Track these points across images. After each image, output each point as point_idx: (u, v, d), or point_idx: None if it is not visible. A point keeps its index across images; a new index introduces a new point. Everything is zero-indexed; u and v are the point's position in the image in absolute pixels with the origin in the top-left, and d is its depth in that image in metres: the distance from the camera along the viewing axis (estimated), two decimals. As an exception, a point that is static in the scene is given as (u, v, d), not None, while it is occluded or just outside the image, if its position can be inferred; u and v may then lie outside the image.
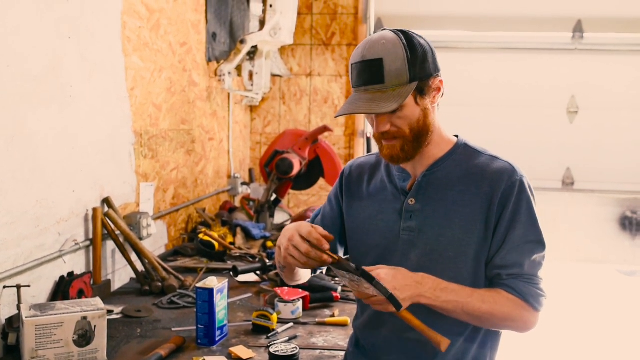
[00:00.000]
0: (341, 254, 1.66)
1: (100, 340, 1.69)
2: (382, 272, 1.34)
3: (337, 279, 2.50)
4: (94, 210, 2.24)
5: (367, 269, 1.34)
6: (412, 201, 1.47)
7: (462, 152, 1.49)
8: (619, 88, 4.18)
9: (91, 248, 2.26)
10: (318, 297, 2.24)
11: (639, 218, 4.22)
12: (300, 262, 1.38)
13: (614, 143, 4.24)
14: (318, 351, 1.81)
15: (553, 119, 4.26)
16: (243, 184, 4.02)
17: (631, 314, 5.60)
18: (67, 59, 2.07)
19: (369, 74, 1.36)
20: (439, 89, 1.42)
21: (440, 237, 1.43)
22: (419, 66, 1.37)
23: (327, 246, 1.37)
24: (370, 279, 1.29)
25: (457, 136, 1.54)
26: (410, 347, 1.48)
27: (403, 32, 1.39)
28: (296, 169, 3.24)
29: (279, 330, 1.96)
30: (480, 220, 1.41)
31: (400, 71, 1.35)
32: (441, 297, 1.36)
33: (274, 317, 1.96)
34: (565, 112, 4.25)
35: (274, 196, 3.41)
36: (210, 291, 1.82)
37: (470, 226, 1.41)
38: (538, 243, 1.43)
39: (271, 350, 1.70)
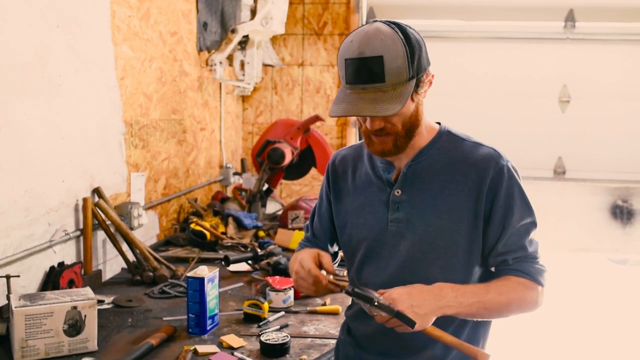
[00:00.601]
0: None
1: (91, 329, 1.69)
2: (395, 293, 1.30)
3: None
4: (84, 200, 2.24)
5: (381, 292, 1.32)
6: (398, 192, 1.47)
7: (446, 140, 1.48)
8: (611, 77, 4.19)
9: (82, 238, 2.25)
10: (309, 286, 2.24)
11: (630, 207, 4.25)
12: (310, 292, 1.49)
13: (605, 132, 4.25)
14: (309, 339, 1.82)
15: (545, 108, 4.27)
16: (235, 174, 4.02)
17: (622, 302, 5.64)
18: (55, 48, 2.05)
19: (368, 72, 1.30)
20: (430, 83, 1.41)
21: (429, 227, 1.43)
22: (417, 62, 1.33)
23: (330, 277, 1.43)
24: (370, 302, 1.27)
25: (439, 123, 1.53)
26: (401, 336, 1.48)
27: (398, 25, 1.34)
28: (288, 158, 3.24)
29: (270, 319, 1.96)
30: (469, 208, 1.41)
31: (401, 69, 1.30)
32: (464, 302, 1.34)
33: (265, 306, 1.96)
34: (557, 101, 4.26)
35: (265, 186, 3.41)
36: (201, 280, 1.81)
37: (459, 214, 1.41)
38: (532, 224, 1.44)
39: (262, 338, 1.71)
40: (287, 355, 1.69)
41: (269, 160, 3.23)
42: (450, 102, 4.23)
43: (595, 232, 4.32)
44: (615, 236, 4.31)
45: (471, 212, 1.41)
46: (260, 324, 1.92)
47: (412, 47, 1.32)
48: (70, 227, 2.20)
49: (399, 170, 1.48)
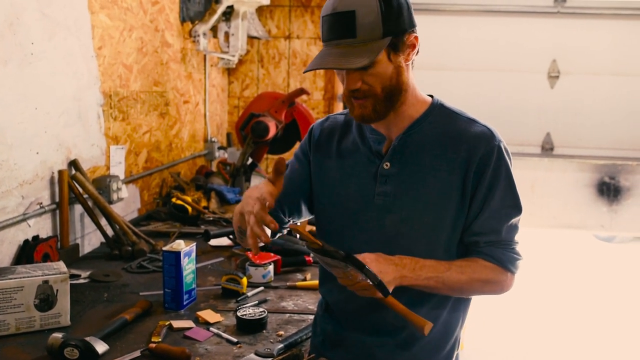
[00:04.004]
0: (306, 214, 1.59)
1: (63, 304, 1.65)
2: (368, 258, 1.30)
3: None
4: (60, 172, 2.18)
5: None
6: (387, 165, 1.42)
7: (439, 114, 1.43)
8: (601, 53, 4.14)
9: (58, 212, 2.20)
10: (290, 260, 2.21)
11: (617, 184, 4.24)
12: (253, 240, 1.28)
13: (594, 109, 4.22)
14: (287, 315, 1.79)
15: (534, 83, 4.22)
16: (220, 148, 3.96)
17: (608, 279, 5.68)
18: (26, 14, 1.98)
19: (340, 27, 1.27)
20: (413, 46, 1.34)
21: (417, 202, 1.39)
22: (394, 20, 1.28)
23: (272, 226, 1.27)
24: (361, 266, 1.25)
25: (431, 96, 1.48)
26: (379, 313, 1.45)
27: None
28: (272, 132, 3.19)
29: (249, 294, 1.94)
30: (457, 185, 1.37)
31: (374, 25, 1.26)
32: (422, 275, 1.34)
33: (244, 280, 1.93)
34: (546, 76, 4.21)
35: (250, 160, 3.36)
36: (177, 254, 1.78)
37: (447, 191, 1.38)
38: (515, 207, 1.41)
39: (238, 314, 1.68)
40: (264, 331, 1.66)
41: (253, 134, 3.18)
42: (437, 76, 4.17)
43: (581, 209, 4.31)
44: (602, 213, 4.30)
45: (459, 190, 1.38)
46: (239, 299, 1.89)
47: (390, 5, 1.28)
48: (45, 200, 2.15)
49: (389, 143, 1.43)
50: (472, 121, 1.43)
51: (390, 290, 1.30)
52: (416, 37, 1.35)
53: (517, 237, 1.43)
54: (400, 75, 1.35)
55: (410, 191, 1.40)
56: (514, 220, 1.41)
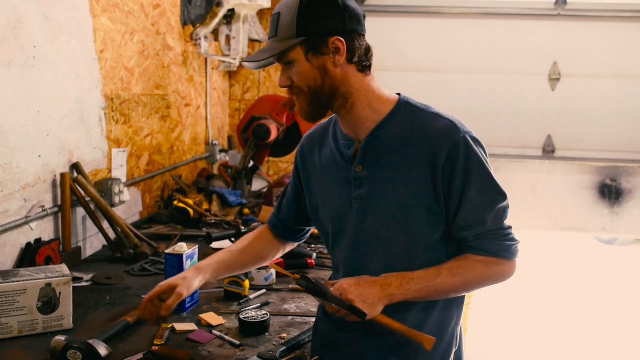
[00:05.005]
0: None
1: (66, 307, 1.65)
2: (345, 283, 1.34)
3: (312, 245, 2.48)
4: (62, 175, 2.18)
5: (331, 282, 1.37)
6: (359, 168, 1.42)
7: (405, 112, 1.42)
8: (602, 55, 4.15)
9: (60, 215, 2.21)
10: (293, 263, 2.21)
11: (618, 186, 4.24)
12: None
13: (595, 111, 4.22)
14: (290, 317, 1.79)
15: (535, 86, 4.23)
16: (222, 151, 3.97)
17: (609, 282, 5.68)
18: (29, 17, 1.98)
19: (271, 27, 1.39)
20: (338, 50, 1.35)
21: (390, 203, 1.39)
22: (312, 22, 1.32)
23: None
24: (323, 296, 1.29)
25: (399, 94, 1.47)
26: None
27: None
28: (273, 135, 3.19)
29: (251, 296, 1.93)
30: (427, 183, 1.36)
31: (290, 25, 1.33)
32: (411, 288, 1.35)
33: (246, 283, 1.93)
34: (547, 79, 4.22)
35: (251, 163, 3.37)
36: (179, 257, 1.78)
37: (418, 189, 1.37)
38: (497, 194, 1.38)
39: (241, 316, 1.68)
40: (267, 334, 1.66)
41: (254, 137, 3.18)
42: (439, 79, 4.17)
43: (583, 212, 4.31)
44: (603, 215, 4.30)
45: (429, 187, 1.36)
46: (241, 301, 1.89)
47: (309, 8, 1.32)
48: (48, 204, 2.15)
49: (357, 146, 1.44)
50: (436, 116, 1.41)
51: (379, 311, 1.33)
52: (340, 41, 1.34)
53: (507, 222, 1.40)
54: (327, 77, 1.36)
55: (383, 192, 1.40)
56: (499, 208, 1.38)
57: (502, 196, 1.39)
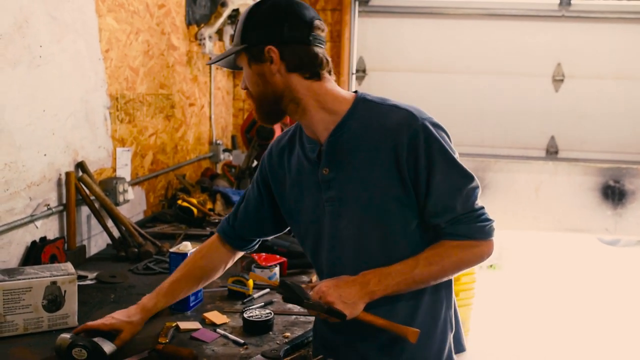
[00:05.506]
0: (275, 232, 1.70)
1: (71, 305, 1.66)
2: (324, 286, 1.35)
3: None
4: (67, 174, 2.20)
5: (311, 285, 1.39)
6: (325, 171, 1.43)
7: (363, 108, 1.42)
8: (606, 56, 4.15)
9: (65, 213, 2.22)
10: (296, 262, 2.22)
11: (621, 187, 4.24)
12: None
13: (598, 112, 4.22)
14: (293, 317, 1.80)
15: (538, 87, 4.23)
16: (225, 150, 3.98)
17: (612, 283, 5.67)
18: (34, 17, 1.99)
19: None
20: (272, 60, 1.37)
21: (360, 201, 1.40)
22: (252, 31, 1.38)
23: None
24: (299, 302, 1.30)
25: (356, 92, 1.48)
26: (387, 318, 1.44)
27: None
28: (277, 135, 3.19)
29: (255, 295, 1.94)
30: (392, 176, 1.36)
31: (238, 32, 1.41)
32: (390, 283, 1.35)
33: (250, 282, 1.94)
34: (550, 80, 4.22)
35: (255, 162, 3.38)
36: (183, 256, 1.79)
37: (386, 183, 1.37)
38: (462, 177, 1.37)
39: (245, 315, 1.69)
40: (270, 333, 1.67)
41: (258, 137, 3.20)
42: (443, 80, 4.18)
43: (586, 213, 4.32)
44: (606, 216, 4.30)
45: (396, 180, 1.36)
46: (245, 300, 1.90)
47: (251, 16, 1.39)
48: (53, 202, 2.16)
49: (321, 148, 1.45)
50: (394, 107, 1.40)
51: (360, 309, 1.34)
52: (272, 50, 1.37)
53: (478, 203, 1.38)
54: (267, 83, 1.40)
55: (352, 192, 1.41)
56: (467, 190, 1.37)
57: (469, 178, 1.37)
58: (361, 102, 1.43)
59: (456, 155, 1.38)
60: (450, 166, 1.36)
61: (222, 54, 1.46)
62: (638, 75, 4.14)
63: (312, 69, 1.39)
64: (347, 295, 1.33)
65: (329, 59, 1.43)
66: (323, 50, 1.41)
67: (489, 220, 1.39)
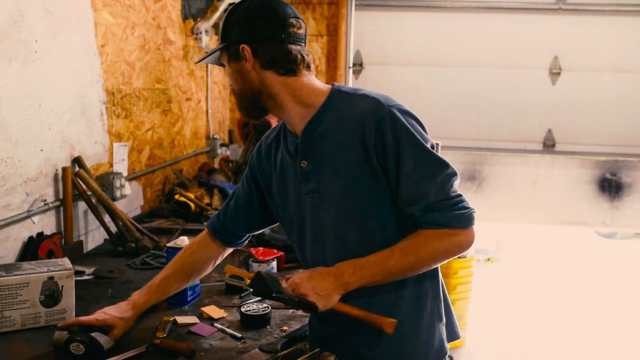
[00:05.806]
0: (266, 226, 1.71)
1: (68, 300, 1.66)
2: (297, 278, 1.35)
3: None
4: (64, 169, 2.19)
5: (286, 277, 1.38)
6: (304, 164, 1.43)
7: (337, 100, 1.42)
8: (603, 49, 4.15)
9: (62, 208, 2.22)
10: (293, 256, 2.21)
11: (618, 180, 4.25)
12: None
13: (595, 105, 4.23)
14: (290, 311, 1.80)
15: (535, 80, 4.23)
16: (222, 145, 3.97)
17: (609, 276, 5.69)
18: (30, 11, 1.99)
19: None
20: (246, 58, 1.40)
21: (336, 192, 1.40)
22: (229, 30, 1.43)
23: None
24: (269, 296, 1.30)
25: (333, 85, 1.48)
26: (369, 309, 1.44)
27: None
28: (274, 129, 3.19)
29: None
30: (364, 165, 1.36)
31: (221, 32, 1.46)
32: (365, 274, 1.34)
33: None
34: (547, 73, 4.22)
35: (252, 157, 3.37)
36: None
37: (359, 173, 1.37)
38: (436, 164, 1.33)
39: (242, 309, 1.69)
40: (268, 327, 1.67)
41: (255, 131, 3.19)
42: (440, 73, 4.18)
43: (583, 206, 4.33)
44: (603, 209, 4.31)
45: (367, 169, 1.36)
46: (242, 294, 1.90)
47: (228, 19, 1.43)
48: (49, 197, 2.16)
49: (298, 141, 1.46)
50: (364, 96, 1.40)
51: (334, 301, 1.33)
52: (245, 49, 1.40)
53: (455, 191, 1.34)
54: (245, 80, 1.43)
55: (328, 183, 1.41)
56: (440, 177, 1.33)
57: (442, 165, 1.34)
58: (336, 94, 1.43)
59: (429, 144, 1.35)
60: (419, 152, 1.33)
61: (207, 54, 1.51)
62: (635, 68, 4.15)
63: (286, 65, 1.41)
64: (321, 287, 1.32)
65: (307, 55, 1.44)
66: (299, 47, 1.42)
67: (467, 208, 1.34)
